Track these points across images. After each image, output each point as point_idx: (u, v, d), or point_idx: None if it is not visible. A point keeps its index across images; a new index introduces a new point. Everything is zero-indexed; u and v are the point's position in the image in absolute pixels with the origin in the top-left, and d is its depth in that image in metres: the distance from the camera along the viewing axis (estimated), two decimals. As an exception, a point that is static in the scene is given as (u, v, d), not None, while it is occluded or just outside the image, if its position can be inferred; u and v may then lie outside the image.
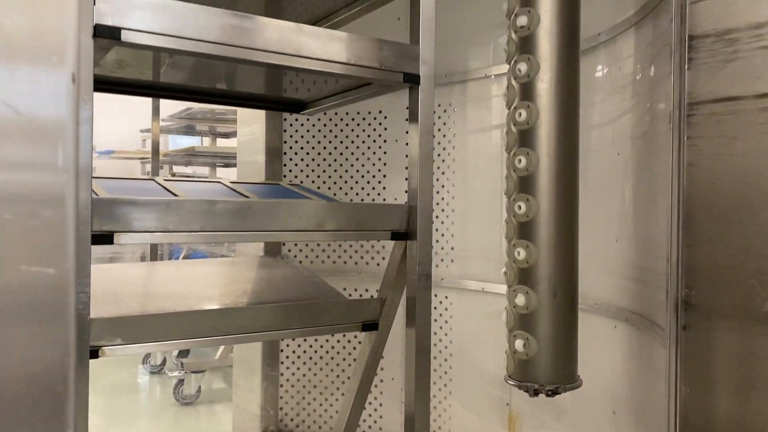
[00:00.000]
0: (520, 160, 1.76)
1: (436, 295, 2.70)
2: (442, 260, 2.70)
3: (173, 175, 8.31)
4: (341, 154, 2.91)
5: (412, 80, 1.66)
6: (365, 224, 1.68)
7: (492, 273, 2.52)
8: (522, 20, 1.74)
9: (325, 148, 2.92)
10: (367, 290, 2.87)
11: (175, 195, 1.77)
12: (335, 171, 2.92)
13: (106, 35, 1.25)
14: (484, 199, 2.57)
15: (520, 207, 1.76)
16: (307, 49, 1.50)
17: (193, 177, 8.69)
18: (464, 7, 2.62)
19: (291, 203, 1.63)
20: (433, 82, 1.71)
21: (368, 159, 2.87)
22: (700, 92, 1.30)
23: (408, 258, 1.72)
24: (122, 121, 7.87)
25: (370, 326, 1.82)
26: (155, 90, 2.08)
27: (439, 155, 2.70)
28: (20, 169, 1.11)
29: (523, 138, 1.75)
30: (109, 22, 1.25)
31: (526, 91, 1.75)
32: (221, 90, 2.10)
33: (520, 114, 1.75)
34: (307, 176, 2.94)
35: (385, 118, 2.84)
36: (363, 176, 2.88)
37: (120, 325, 1.47)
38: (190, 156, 6.61)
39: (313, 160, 2.93)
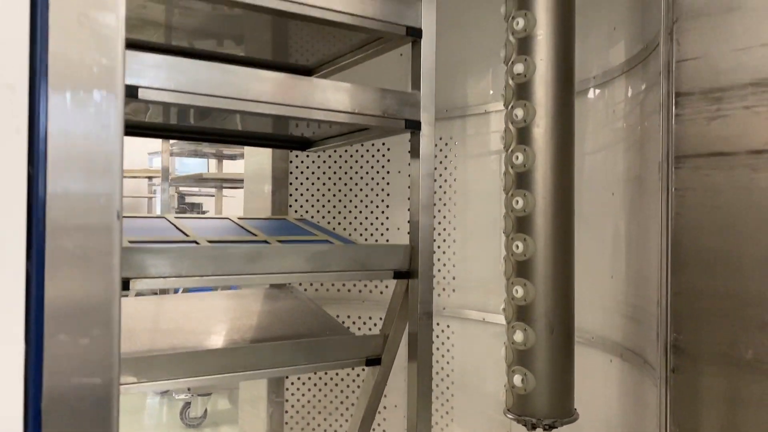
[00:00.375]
0: (517, 201, 1.83)
1: (438, 324, 2.76)
2: (443, 289, 2.76)
3: (180, 195, 8.41)
4: (345, 184, 2.98)
5: (413, 126, 1.74)
6: (369, 265, 1.75)
7: (492, 303, 2.58)
8: (519, 68, 1.82)
9: (329, 178, 3.00)
10: (370, 318, 2.93)
11: (186, 235, 1.84)
12: (340, 201, 2.99)
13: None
14: (484, 231, 2.63)
15: (518, 246, 1.82)
16: (314, 101, 1.58)
17: (201, 198, 8.76)
18: (464, 48, 2.70)
19: (299, 248, 1.70)
20: (433, 127, 1.78)
21: (372, 189, 2.94)
22: (686, 147, 1.37)
23: (410, 295, 1.79)
24: (129, 140, 7.98)
25: (373, 361, 1.88)
26: (166, 132, 2.16)
27: (440, 187, 2.77)
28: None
29: (521, 180, 1.82)
30: (127, 81, 1.33)
31: (523, 136, 1.82)
32: (230, 131, 2.18)
33: (517, 157, 1.82)
34: (312, 206, 3.01)
35: (388, 150, 2.92)
36: (367, 206, 2.95)
37: (134, 364, 1.54)
38: (198, 180, 6.72)
39: (318, 190, 3.00)
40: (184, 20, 1.79)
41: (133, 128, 1.99)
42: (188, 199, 8.56)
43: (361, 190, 2.96)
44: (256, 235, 1.95)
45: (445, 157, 2.78)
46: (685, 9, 1.41)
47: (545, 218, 1.79)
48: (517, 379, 1.82)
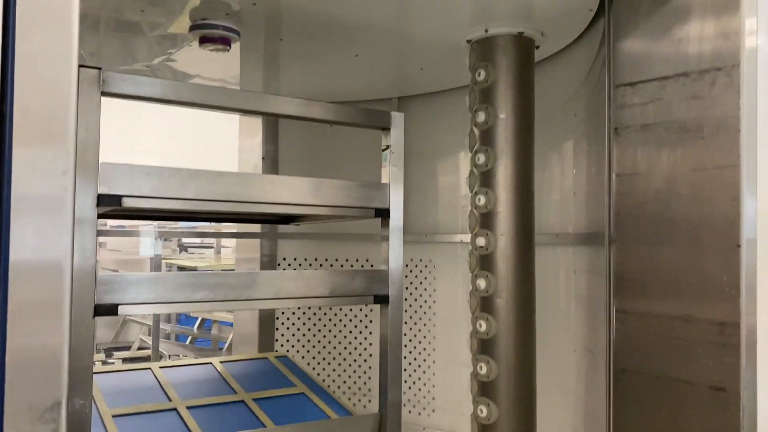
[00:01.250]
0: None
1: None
2: (424, 409, 2.82)
3: (181, 246, 8.52)
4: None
5: (382, 214, 1.78)
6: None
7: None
8: (480, 158, 1.92)
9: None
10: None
11: (169, 399, 1.93)
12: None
13: (107, 204, 1.38)
14: (460, 349, 2.70)
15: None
16: (290, 197, 1.65)
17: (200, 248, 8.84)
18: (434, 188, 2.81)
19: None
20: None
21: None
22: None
23: None
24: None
25: None
26: (159, 214, 2.18)
27: (419, 307, 2.85)
28: None
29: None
30: (111, 191, 1.39)
31: (486, 221, 1.94)
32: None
33: (480, 242, 1.92)
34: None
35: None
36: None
37: None
38: (198, 234, 6.82)
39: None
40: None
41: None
42: (190, 250, 8.67)
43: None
44: (236, 391, 2.04)
45: (415, 277, 2.86)
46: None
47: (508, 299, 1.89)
48: None
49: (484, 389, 1.93)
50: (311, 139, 3.01)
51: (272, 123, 3.05)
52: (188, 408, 1.89)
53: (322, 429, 1.83)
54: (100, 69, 1.39)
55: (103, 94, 1.38)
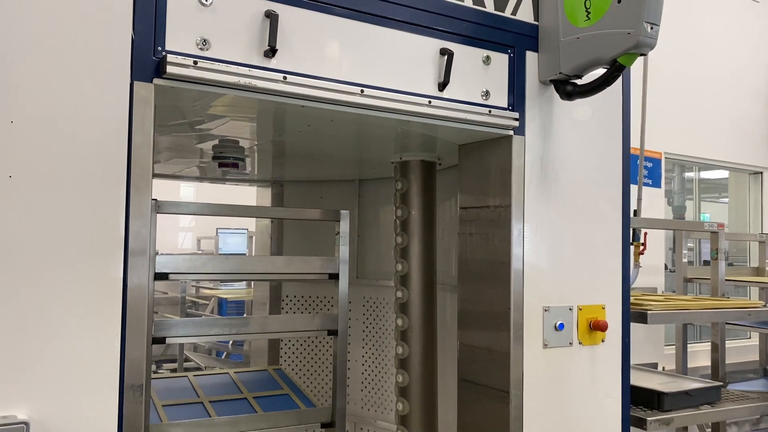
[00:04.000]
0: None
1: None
2: (371, 405, 3.82)
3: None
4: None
5: (334, 278, 2.78)
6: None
7: None
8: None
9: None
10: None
11: (197, 395, 2.99)
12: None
13: (160, 278, 2.43)
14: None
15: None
16: (272, 269, 2.66)
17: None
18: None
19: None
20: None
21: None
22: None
23: None
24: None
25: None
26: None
27: (373, 330, 3.86)
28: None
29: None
30: (163, 270, 2.44)
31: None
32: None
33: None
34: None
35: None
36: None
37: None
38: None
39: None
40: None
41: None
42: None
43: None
44: (242, 392, 3.10)
45: (378, 309, 3.86)
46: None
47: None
48: (399, 491, 2.90)
49: (401, 392, 2.94)
50: (307, 206, 4.07)
51: (278, 195, 4.11)
52: (210, 402, 2.95)
53: (292, 415, 2.85)
54: (156, 200, 2.46)
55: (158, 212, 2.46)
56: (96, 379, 1.64)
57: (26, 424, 1.51)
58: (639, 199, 3.86)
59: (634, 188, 3.94)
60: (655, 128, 4.52)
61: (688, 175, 6.08)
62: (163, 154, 3.20)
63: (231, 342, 7.13)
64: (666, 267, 5.24)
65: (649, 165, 4.56)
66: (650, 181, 4.53)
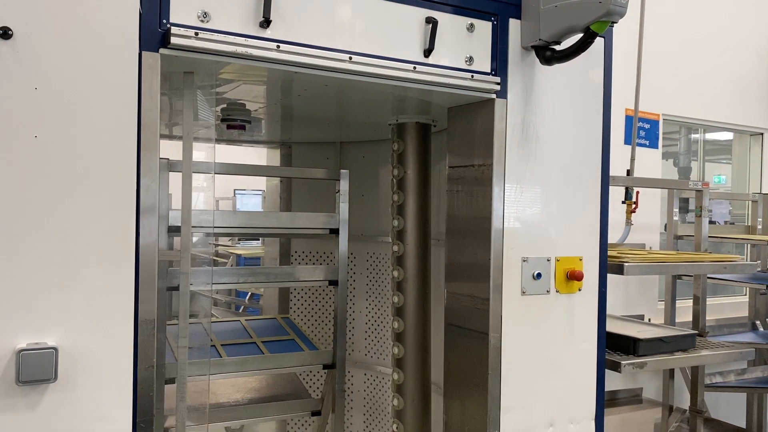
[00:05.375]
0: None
1: None
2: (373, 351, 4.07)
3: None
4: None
5: (335, 233, 3.01)
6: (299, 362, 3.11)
7: None
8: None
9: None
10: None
11: (211, 340, 3.26)
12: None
13: (173, 231, 2.70)
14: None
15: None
16: (278, 225, 2.93)
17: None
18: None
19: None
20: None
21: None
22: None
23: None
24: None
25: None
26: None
27: (371, 281, 4.09)
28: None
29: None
30: (176, 223, 2.70)
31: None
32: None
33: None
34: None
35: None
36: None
37: (179, 418, 2.96)
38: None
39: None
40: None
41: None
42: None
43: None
44: (252, 337, 3.36)
45: (373, 263, 4.09)
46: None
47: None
48: (395, 427, 3.16)
49: (397, 337, 3.18)
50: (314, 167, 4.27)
51: (287, 156, 4.32)
52: (222, 345, 3.21)
53: (296, 357, 3.11)
54: (168, 159, 2.68)
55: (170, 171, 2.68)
56: (115, 313, 1.89)
57: (55, 349, 1.77)
58: (632, 159, 4.00)
59: (628, 148, 4.12)
60: (653, 89, 4.63)
61: (694, 136, 6.17)
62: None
63: (248, 296, 7.46)
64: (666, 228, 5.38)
65: (647, 126, 4.67)
66: (647, 142, 4.65)
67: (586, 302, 2.74)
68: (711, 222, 5.27)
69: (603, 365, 2.78)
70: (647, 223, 4.60)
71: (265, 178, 4.61)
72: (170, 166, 2.61)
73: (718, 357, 3.22)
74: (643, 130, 4.62)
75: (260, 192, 9.18)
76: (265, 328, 3.55)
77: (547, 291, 2.63)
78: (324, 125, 3.61)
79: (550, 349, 2.66)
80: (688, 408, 4.21)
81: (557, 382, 2.68)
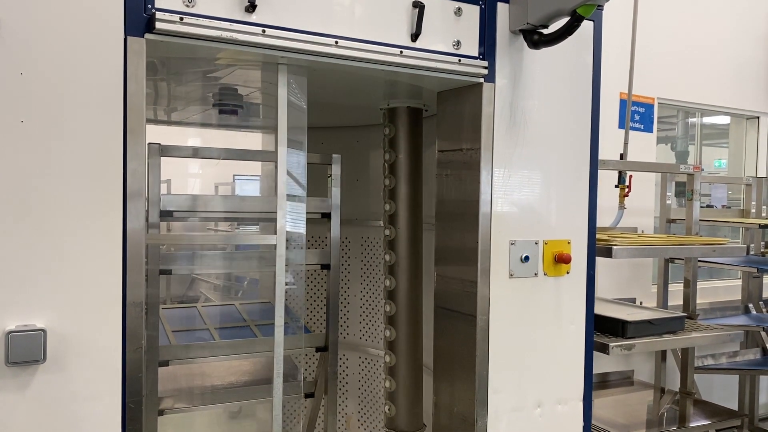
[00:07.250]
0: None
1: None
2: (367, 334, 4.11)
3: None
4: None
5: (326, 216, 3.03)
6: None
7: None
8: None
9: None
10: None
11: (205, 323, 3.29)
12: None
13: (165, 216, 2.73)
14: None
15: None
16: (262, 208, 2.96)
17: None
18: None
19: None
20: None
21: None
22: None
23: (326, 361, 3.17)
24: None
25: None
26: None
27: (363, 265, 4.11)
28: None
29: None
30: (167, 208, 2.74)
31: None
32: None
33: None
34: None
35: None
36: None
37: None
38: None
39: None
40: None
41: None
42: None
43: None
44: (245, 320, 3.39)
45: (366, 246, 4.11)
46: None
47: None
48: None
49: (389, 320, 3.21)
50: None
51: (281, 141, 4.33)
52: (216, 328, 3.25)
53: (289, 340, 3.14)
54: (159, 144, 2.70)
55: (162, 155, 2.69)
56: (103, 296, 1.92)
57: (44, 331, 1.80)
58: (625, 143, 4.01)
59: (622, 132, 4.12)
60: (648, 73, 4.62)
61: (692, 120, 6.16)
62: (180, 101, 3.44)
63: (246, 282, 7.51)
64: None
65: (641, 110, 4.67)
66: (642, 126, 4.65)
67: (574, 285, 2.77)
68: (709, 206, 5.28)
69: (591, 347, 2.81)
70: (641, 207, 4.60)
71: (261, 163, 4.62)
72: (161, 150, 2.63)
73: (706, 339, 3.25)
74: (638, 114, 4.62)
75: (259, 177, 9.20)
76: (259, 311, 3.58)
77: (535, 274, 2.65)
78: (319, 110, 3.61)
79: (538, 331, 2.69)
80: (678, 390, 4.26)
81: (545, 364, 2.72)
